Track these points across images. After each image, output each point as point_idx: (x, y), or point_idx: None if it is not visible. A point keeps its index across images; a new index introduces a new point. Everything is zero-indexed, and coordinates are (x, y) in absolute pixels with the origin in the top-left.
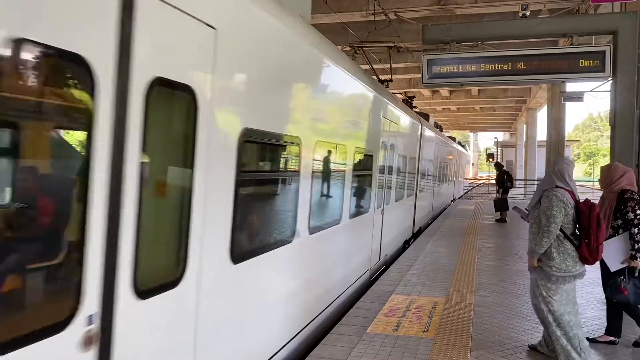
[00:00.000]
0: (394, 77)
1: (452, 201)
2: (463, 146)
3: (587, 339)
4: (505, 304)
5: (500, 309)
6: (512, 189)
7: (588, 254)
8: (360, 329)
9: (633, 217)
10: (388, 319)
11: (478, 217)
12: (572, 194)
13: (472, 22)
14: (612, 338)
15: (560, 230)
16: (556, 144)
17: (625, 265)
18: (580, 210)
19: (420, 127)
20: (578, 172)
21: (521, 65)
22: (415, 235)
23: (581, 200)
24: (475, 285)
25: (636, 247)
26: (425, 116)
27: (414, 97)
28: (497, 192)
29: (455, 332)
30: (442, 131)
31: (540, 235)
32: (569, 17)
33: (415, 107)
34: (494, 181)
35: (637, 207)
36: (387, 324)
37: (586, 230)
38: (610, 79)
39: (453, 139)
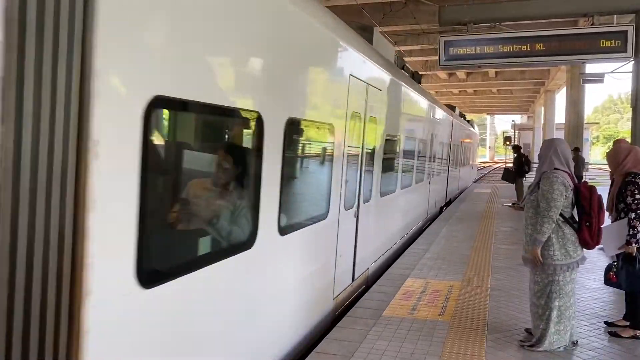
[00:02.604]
0: (409, 59)
1: (441, 208)
2: (468, 122)
3: (605, 322)
4: (521, 287)
5: (517, 293)
6: (528, 173)
7: (589, 237)
8: (376, 312)
9: (631, 202)
10: (404, 303)
11: (494, 201)
12: (572, 176)
13: (490, 3)
14: (635, 332)
15: (560, 214)
16: (575, 127)
17: (621, 250)
18: (581, 193)
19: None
20: (597, 154)
21: (540, 46)
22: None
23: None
24: (492, 269)
25: (631, 232)
26: (366, 31)
27: None
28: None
29: (471, 315)
30: (420, 82)
31: (541, 221)
32: None
33: None
34: (511, 164)
35: (636, 192)
36: (403, 307)
37: (587, 213)
38: (632, 59)
39: (452, 107)
